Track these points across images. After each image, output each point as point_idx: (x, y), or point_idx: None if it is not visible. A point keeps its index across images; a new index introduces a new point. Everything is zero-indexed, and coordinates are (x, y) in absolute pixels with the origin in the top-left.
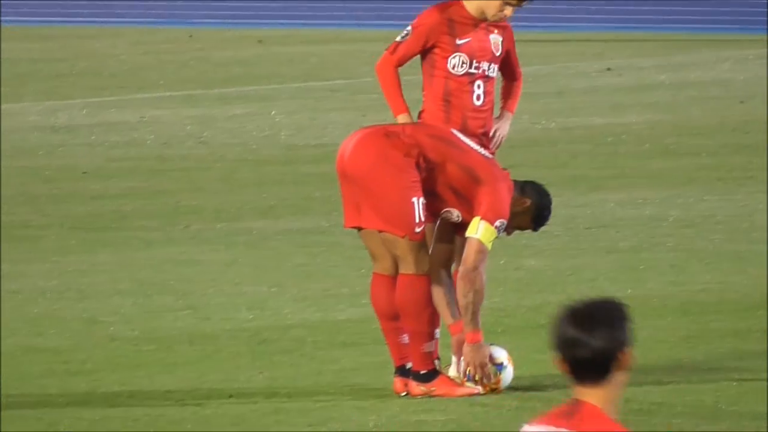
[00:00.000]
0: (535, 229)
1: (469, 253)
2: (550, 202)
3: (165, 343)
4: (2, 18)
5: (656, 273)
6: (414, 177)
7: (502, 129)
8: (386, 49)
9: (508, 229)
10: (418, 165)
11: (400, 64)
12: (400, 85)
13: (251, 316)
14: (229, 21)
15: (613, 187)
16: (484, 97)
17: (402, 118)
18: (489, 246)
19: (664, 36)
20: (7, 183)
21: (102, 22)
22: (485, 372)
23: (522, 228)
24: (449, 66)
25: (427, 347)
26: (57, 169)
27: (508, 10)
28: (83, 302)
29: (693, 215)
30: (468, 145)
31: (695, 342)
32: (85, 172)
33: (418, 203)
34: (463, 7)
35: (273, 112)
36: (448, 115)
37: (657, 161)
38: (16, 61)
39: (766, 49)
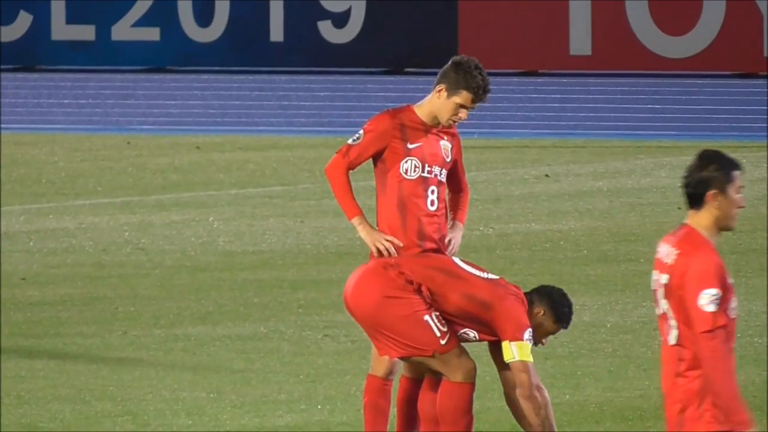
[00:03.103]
0: (565, 327)
1: (518, 377)
2: (562, 296)
3: None
4: None
5: (594, 379)
6: (418, 299)
7: (456, 238)
8: (337, 152)
9: (538, 339)
10: (420, 292)
11: (352, 167)
12: (350, 188)
13: (189, 422)
14: (166, 128)
15: None
16: (438, 202)
17: (356, 221)
18: (530, 359)
19: (601, 142)
20: None
21: (39, 128)
22: None
23: (552, 333)
24: (402, 170)
25: None
26: None
27: (463, 113)
28: (22, 408)
29: (630, 321)
30: (467, 272)
31: None
32: (23, 279)
33: (432, 318)
34: (413, 112)
35: (211, 219)
36: (404, 222)
37: (594, 267)
38: None
39: None
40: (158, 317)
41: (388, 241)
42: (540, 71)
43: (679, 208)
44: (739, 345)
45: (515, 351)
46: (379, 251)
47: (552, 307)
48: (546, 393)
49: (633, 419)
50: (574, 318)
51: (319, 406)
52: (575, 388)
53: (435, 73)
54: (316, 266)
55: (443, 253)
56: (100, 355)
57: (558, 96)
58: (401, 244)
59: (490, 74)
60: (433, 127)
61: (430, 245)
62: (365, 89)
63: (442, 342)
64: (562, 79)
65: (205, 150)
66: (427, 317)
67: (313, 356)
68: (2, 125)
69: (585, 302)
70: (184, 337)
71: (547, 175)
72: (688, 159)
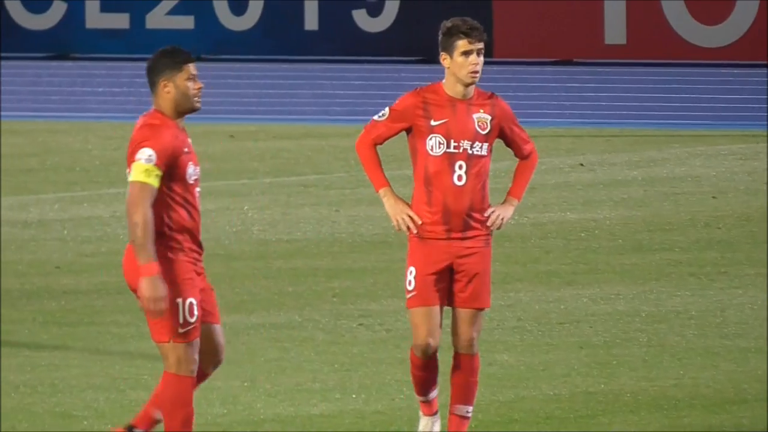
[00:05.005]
0: (184, 62)
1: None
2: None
3: None
4: None
5: (628, 368)
6: (184, 279)
7: (500, 210)
8: (365, 127)
9: (192, 95)
10: (196, 265)
11: (377, 143)
12: (378, 161)
13: (224, 411)
14: (200, 116)
15: (585, 283)
16: (467, 177)
17: (382, 192)
18: (140, 179)
19: (635, 131)
20: None
21: (73, 117)
22: (160, 307)
23: (185, 92)
24: (428, 147)
25: None
26: (28, 264)
27: (473, 58)
28: (56, 396)
29: (665, 311)
30: None
31: None
32: (57, 267)
33: (185, 304)
34: (441, 87)
35: (245, 207)
36: (430, 197)
37: (629, 256)
38: None
39: (737, 145)
40: None
41: (409, 216)
42: (575, 60)
43: (714, 197)
44: (753, 337)
45: (131, 173)
46: (399, 225)
47: (163, 69)
48: (146, 216)
49: (667, 408)
50: (608, 307)
51: (353, 395)
52: (610, 377)
53: None
54: (350, 255)
55: (480, 228)
56: (134, 343)
57: (593, 85)
58: (420, 222)
59: (524, 63)
60: (462, 101)
61: (457, 220)
62: (400, 78)
63: (181, 331)
64: (597, 68)
65: (239, 138)
66: (179, 300)
67: (347, 345)
68: (36, 113)
69: (620, 291)
70: None
71: (581, 164)
72: (723, 148)
